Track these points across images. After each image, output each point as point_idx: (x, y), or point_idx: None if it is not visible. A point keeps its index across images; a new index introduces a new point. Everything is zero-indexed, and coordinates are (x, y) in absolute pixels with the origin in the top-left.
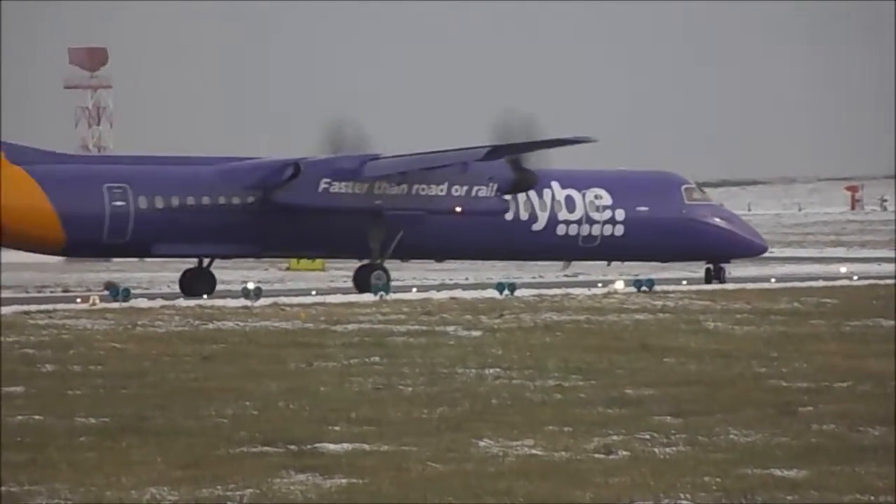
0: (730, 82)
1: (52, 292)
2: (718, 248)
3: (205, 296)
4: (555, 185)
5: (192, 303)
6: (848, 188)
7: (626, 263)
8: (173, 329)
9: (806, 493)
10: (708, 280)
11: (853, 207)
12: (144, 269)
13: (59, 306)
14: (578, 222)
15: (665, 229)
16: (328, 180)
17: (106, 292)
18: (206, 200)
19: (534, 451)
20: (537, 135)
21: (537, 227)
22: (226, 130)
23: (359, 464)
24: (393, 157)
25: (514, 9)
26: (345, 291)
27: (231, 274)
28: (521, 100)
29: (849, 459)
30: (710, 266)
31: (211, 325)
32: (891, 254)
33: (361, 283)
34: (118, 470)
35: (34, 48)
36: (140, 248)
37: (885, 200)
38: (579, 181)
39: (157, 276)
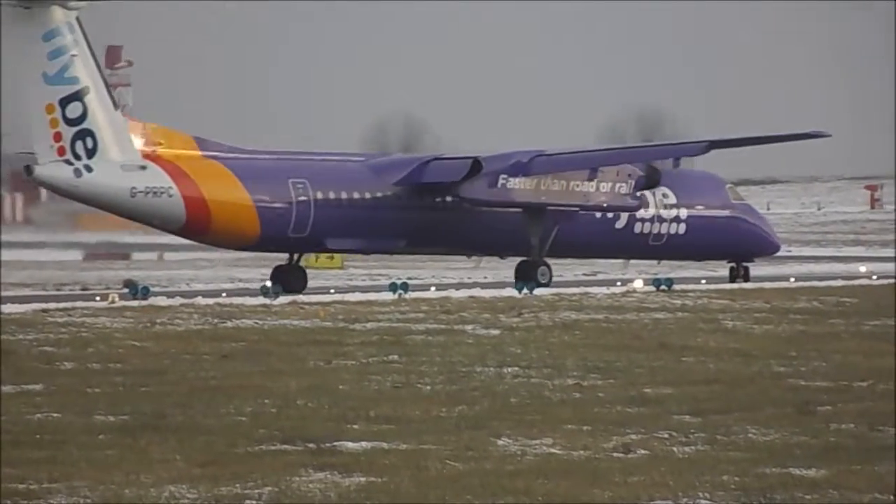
0: (749, 80)
1: (71, 290)
2: (754, 246)
3: (297, 293)
4: None
5: (210, 301)
6: (867, 187)
7: (643, 262)
8: (192, 327)
9: (825, 493)
10: (733, 279)
11: (872, 206)
12: (163, 267)
13: (79, 304)
14: (651, 220)
15: (719, 228)
16: (505, 176)
17: (125, 290)
18: (370, 195)
19: (552, 450)
20: (664, 133)
21: (619, 224)
22: (244, 127)
23: (378, 462)
24: (571, 152)
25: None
26: (363, 290)
27: (249, 272)
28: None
29: (868, 459)
30: (735, 264)
31: (230, 324)
32: None
33: (525, 277)
34: (137, 468)
35: None
36: (315, 242)
37: None
38: None
39: (176, 273)
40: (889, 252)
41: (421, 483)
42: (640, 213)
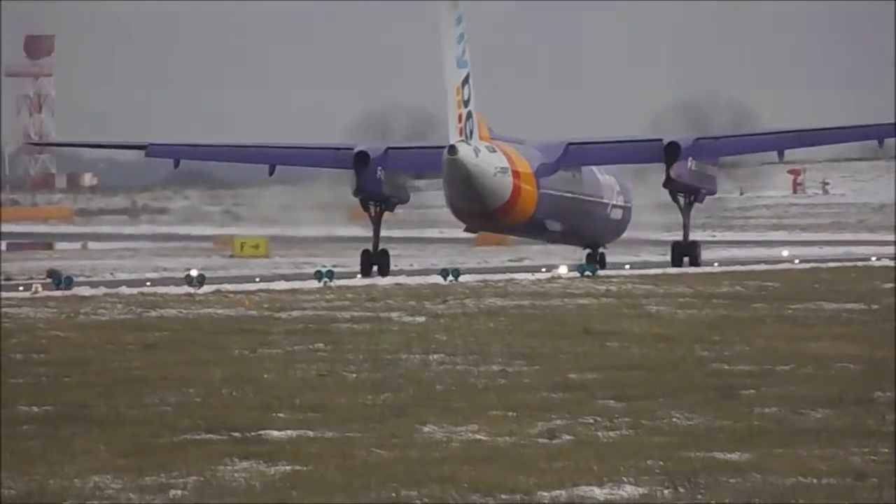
0: (677, 61)
1: None
2: (624, 231)
3: (381, 277)
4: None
5: (134, 290)
6: (790, 172)
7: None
8: (116, 317)
9: (748, 476)
10: (591, 263)
11: (795, 191)
12: (87, 256)
13: (1, 294)
14: (615, 206)
15: (626, 215)
16: (691, 159)
17: (48, 280)
18: (554, 179)
19: (478, 437)
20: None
21: (608, 209)
22: (165, 117)
23: (303, 451)
24: (750, 135)
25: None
26: (289, 278)
27: (173, 262)
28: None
29: (791, 442)
30: (592, 251)
31: (154, 313)
32: (832, 237)
33: (680, 257)
34: (61, 458)
35: None
36: (542, 225)
37: (827, 184)
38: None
39: (100, 263)
40: (811, 236)
41: (346, 471)
42: (615, 200)
